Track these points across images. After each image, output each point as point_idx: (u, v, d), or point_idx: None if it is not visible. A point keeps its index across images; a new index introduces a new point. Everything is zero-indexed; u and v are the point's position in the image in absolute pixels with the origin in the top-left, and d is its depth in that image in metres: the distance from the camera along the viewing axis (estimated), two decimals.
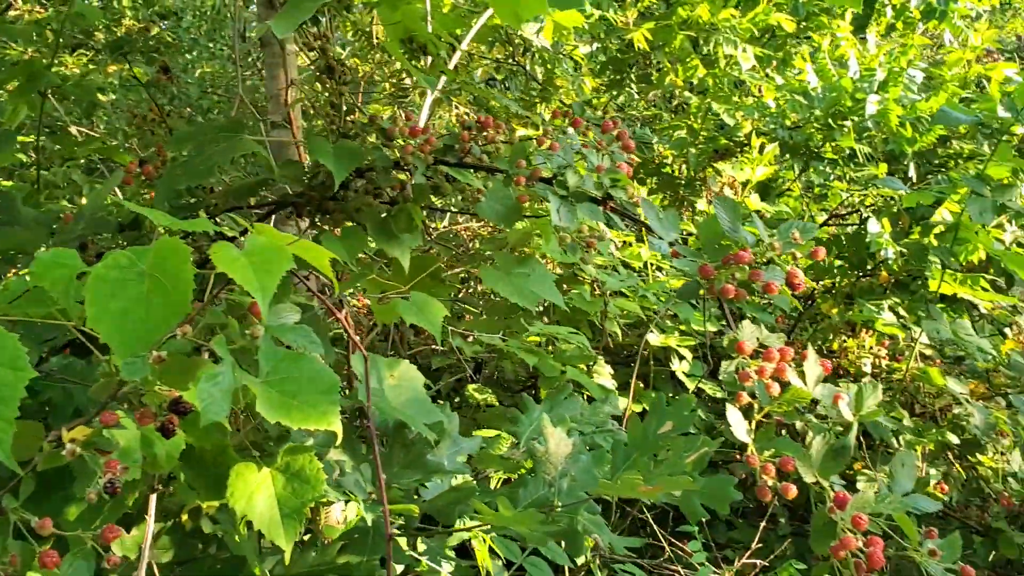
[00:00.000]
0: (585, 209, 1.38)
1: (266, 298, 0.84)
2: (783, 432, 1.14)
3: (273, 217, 1.58)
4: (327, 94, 1.49)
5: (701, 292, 1.18)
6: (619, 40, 3.24)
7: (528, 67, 3.86)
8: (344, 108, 1.49)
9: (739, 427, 1.05)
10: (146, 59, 1.90)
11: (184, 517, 1.25)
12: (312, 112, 2.06)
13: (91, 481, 0.94)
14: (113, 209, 1.95)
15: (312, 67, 1.50)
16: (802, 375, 1.09)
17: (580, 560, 2.33)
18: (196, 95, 3.88)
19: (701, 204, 3.14)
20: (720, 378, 1.06)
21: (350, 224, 1.54)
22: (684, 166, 3.35)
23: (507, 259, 1.48)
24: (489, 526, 1.68)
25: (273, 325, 0.96)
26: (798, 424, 1.10)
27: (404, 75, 3.92)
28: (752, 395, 1.08)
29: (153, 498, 1.08)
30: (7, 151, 1.91)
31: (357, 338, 1.12)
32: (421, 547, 1.84)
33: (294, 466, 1.10)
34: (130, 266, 0.89)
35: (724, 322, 1.16)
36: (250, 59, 4.71)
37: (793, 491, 1.03)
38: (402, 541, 1.63)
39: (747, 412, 1.09)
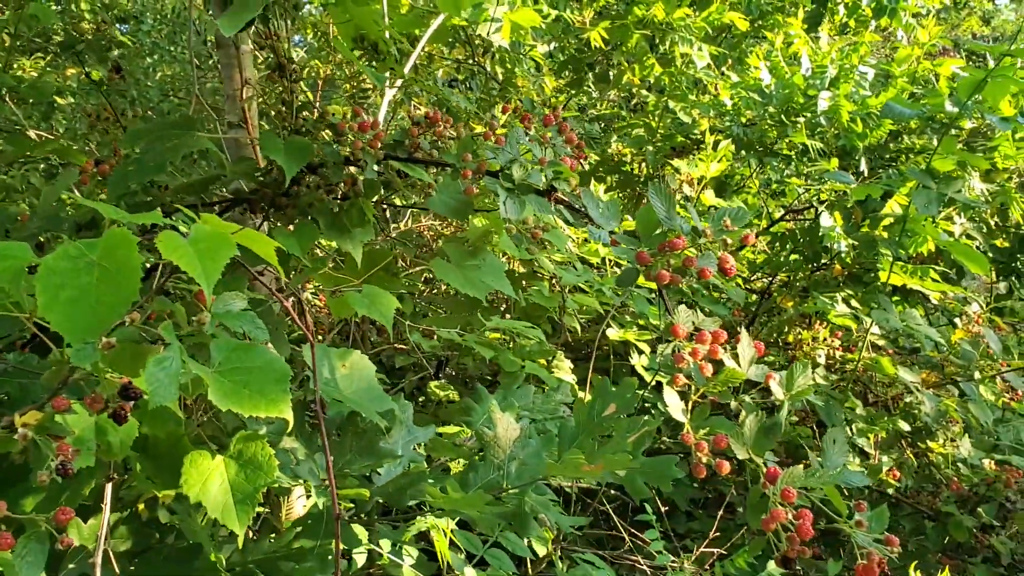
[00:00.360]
0: (533, 201, 1.43)
1: (210, 283, 0.88)
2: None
3: (229, 214, 1.61)
4: (279, 91, 1.52)
5: (641, 279, 1.23)
6: (577, 39, 3.31)
7: (488, 67, 3.91)
8: (296, 105, 1.53)
9: (675, 407, 1.11)
10: (99, 59, 1.91)
11: (141, 507, 1.28)
12: (272, 113, 2.09)
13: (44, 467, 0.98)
14: (70, 209, 1.97)
15: (264, 66, 1.54)
16: (736, 357, 1.15)
17: (542, 552, 2.37)
18: (157, 98, 3.88)
19: None
20: (657, 361, 1.11)
21: (303, 219, 1.58)
22: (643, 164, 3.42)
23: (459, 252, 1.53)
24: (445, 516, 1.73)
25: (219, 312, 1.00)
26: (733, 404, 1.16)
27: (364, 76, 3.95)
28: (688, 376, 1.13)
29: (109, 487, 1.11)
30: None
31: (305, 325, 1.15)
32: (385, 544, 1.88)
33: (247, 453, 1.14)
34: (80, 256, 0.92)
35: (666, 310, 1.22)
36: (211, 61, 4.71)
37: (727, 467, 1.09)
38: (360, 531, 1.67)
39: (684, 394, 1.15)
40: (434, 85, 2.91)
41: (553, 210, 1.46)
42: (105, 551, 1.13)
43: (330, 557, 1.17)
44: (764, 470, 1.08)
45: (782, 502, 1.07)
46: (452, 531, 1.97)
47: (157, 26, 5.56)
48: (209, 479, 1.12)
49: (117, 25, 5.02)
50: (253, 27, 1.78)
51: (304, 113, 1.54)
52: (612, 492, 2.61)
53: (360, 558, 1.86)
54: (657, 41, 3.18)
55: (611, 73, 3.46)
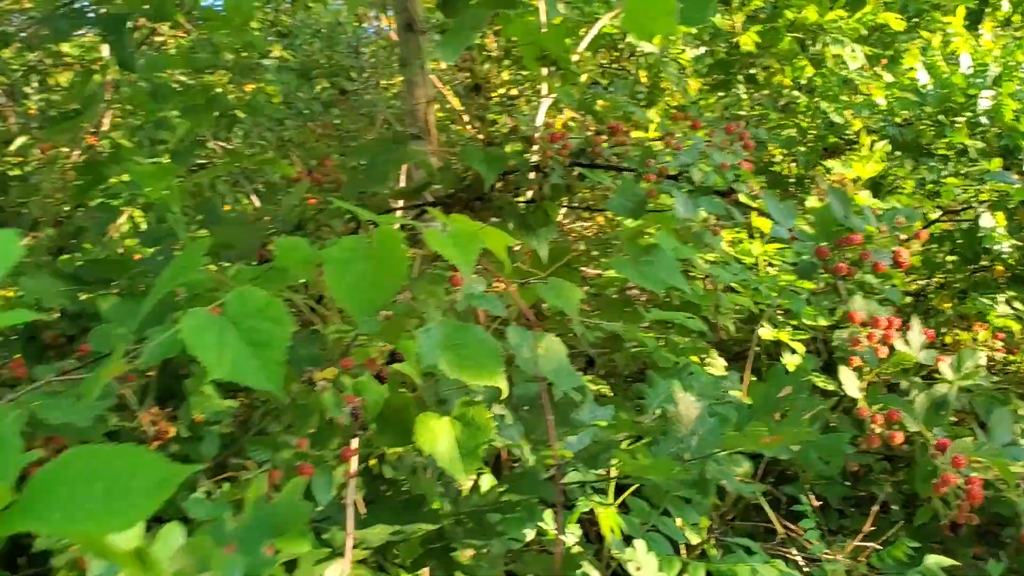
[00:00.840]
0: (706, 202, 1.62)
1: (468, 269, 1.11)
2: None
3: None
4: (474, 108, 1.77)
5: (816, 274, 1.40)
6: (726, 43, 3.45)
7: (634, 71, 4.09)
8: (488, 120, 1.77)
9: (851, 385, 1.27)
10: (331, 83, 2.24)
11: (373, 462, 1.54)
12: (454, 123, 2.34)
13: (306, 422, 1.26)
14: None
15: (461, 85, 1.79)
16: (907, 342, 1.30)
17: (695, 540, 2.54)
18: (319, 110, 4.27)
19: (811, 201, 3.30)
20: (834, 344, 1.28)
21: (495, 220, 1.82)
22: (793, 165, 3.53)
23: (634, 248, 1.73)
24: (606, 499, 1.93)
25: (467, 293, 1.24)
26: (903, 384, 1.31)
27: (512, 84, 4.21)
28: (863, 359, 1.29)
29: (356, 441, 1.37)
30: (185, 164, 2.27)
31: (526, 312, 1.38)
32: (549, 520, 2.10)
33: (468, 415, 1.38)
34: (356, 249, 1.18)
35: (836, 308, 1.38)
36: (363, 75, 5.11)
37: (900, 437, 1.24)
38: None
39: (858, 374, 1.31)
40: (602, 94, 3.11)
41: (721, 208, 1.64)
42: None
43: (536, 509, 1.40)
44: (934, 441, 1.23)
45: (952, 469, 1.21)
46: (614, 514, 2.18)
47: (309, 40, 6.05)
48: (438, 436, 1.36)
49: (271, 39, 5.51)
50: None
51: (493, 126, 1.78)
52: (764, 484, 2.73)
53: (529, 533, 2.09)
54: (809, 43, 3.29)
55: (759, 75, 3.59)
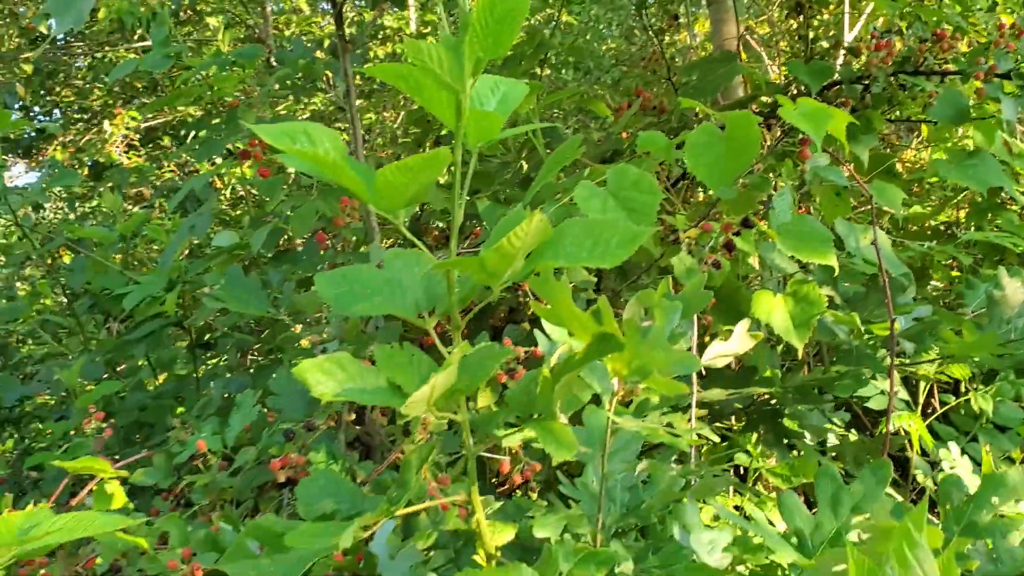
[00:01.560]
0: None
1: (819, 139, 1.31)
2: None
3: None
4: (795, 26, 1.93)
5: None
6: None
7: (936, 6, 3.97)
8: (811, 37, 1.93)
9: None
10: (664, 10, 2.51)
11: (707, 339, 1.78)
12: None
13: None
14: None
15: (783, 6, 1.96)
16: None
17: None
18: (607, 66, 4.58)
19: None
20: None
21: None
22: None
23: (958, 152, 1.81)
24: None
25: (812, 166, 1.43)
26: None
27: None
28: None
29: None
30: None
31: (873, 210, 1.55)
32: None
33: (800, 292, 1.57)
34: (713, 133, 1.41)
35: None
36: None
37: None
38: None
39: None
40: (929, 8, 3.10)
41: None
42: None
43: (863, 376, 1.56)
44: None
45: None
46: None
47: (588, 6, 6.42)
48: (772, 309, 1.57)
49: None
50: None
51: (816, 43, 1.93)
52: None
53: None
54: None
55: None
